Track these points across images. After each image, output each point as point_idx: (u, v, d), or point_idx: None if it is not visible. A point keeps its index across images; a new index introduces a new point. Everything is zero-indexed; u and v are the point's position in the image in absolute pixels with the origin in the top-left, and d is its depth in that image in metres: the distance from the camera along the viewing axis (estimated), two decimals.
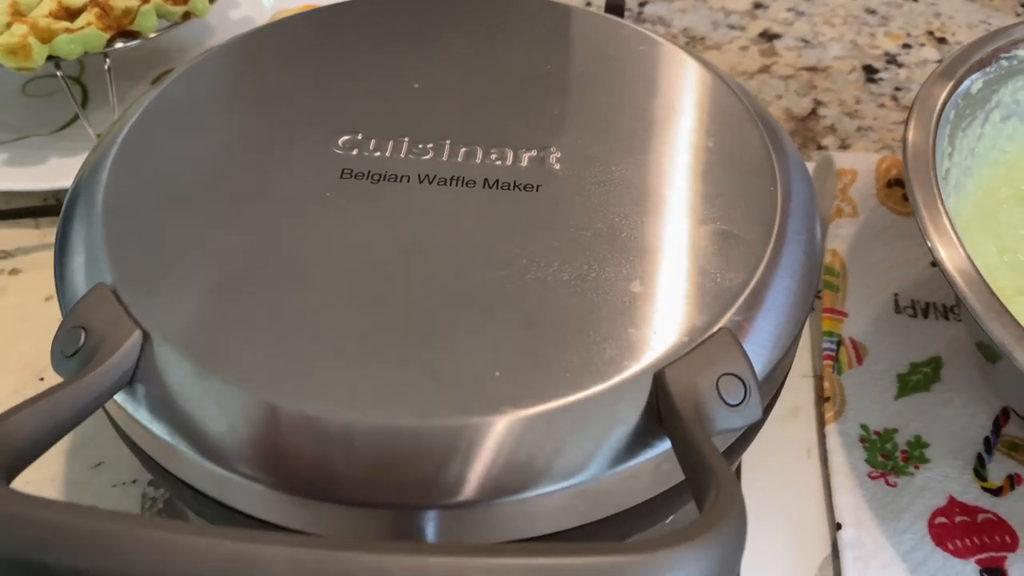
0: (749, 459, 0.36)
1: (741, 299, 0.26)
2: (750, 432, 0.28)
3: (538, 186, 0.29)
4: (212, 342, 0.25)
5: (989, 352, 0.35)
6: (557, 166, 0.30)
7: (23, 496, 0.18)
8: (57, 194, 0.46)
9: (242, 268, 0.27)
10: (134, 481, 0.36)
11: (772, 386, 0.28)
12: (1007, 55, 0.39)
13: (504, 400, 0.24)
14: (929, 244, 0.31)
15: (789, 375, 0.39)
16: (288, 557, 0.16)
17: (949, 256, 0.31)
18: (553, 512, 0.24)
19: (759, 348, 0.26)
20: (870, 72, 0.56)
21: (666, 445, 0.24)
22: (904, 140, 0.34)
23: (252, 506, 0.25)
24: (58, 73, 0.44)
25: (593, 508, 0.25)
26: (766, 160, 0.31)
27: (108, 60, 0.44)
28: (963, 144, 0.39)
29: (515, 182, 0.30)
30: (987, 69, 0.39)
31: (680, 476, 0.25)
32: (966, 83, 0.38)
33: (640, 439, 0.24)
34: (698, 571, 0.17)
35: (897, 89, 0.55)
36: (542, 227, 0.28)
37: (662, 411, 0.24)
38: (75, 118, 0.49)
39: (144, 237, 0.28)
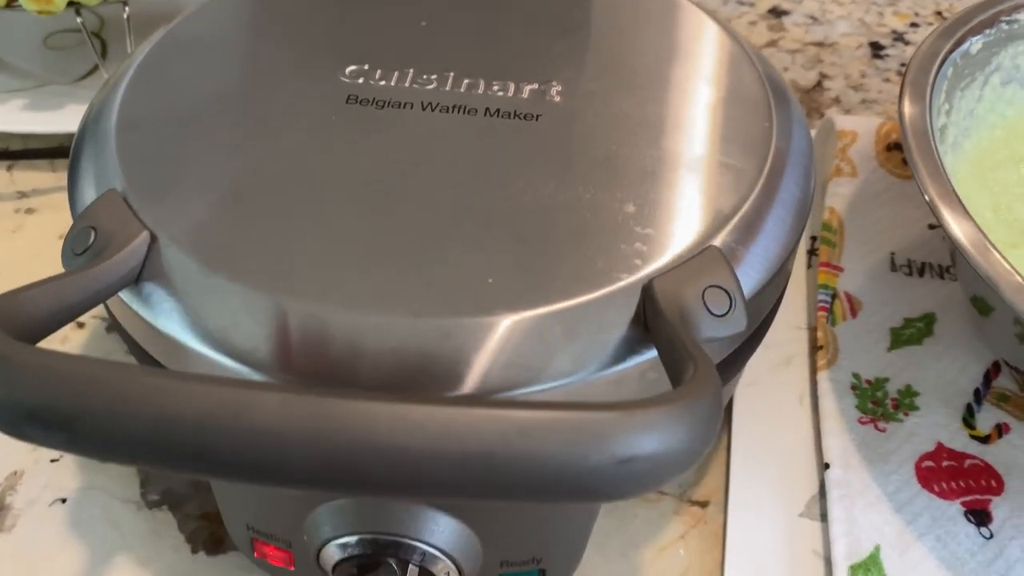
0: (741, 403, 0.36)
1: (732, 222, 0.27)
2: (740, 356, 0.29)
3: (538, 116, 0.30)
4: (218, 244, 0.26)
5: (983, 305, 0.35)
6: (557, 98, 0.31)
7: (50, 351, 0.19)
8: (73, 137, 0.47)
9: (248, 179, 0.28)
10: None
11: (761, 309, 0.28)
12: (1008, 19, 0.40)
13: (496, 304, 0.25)
14: (922, 186, 0.32)
15: (783, 327, 0.40)
16: (280, 401, 0.17)
17: (942, 197, 0.31)
18: None
19: (747, 269, 0.27)
20: (876, 49, 0.57)
21: (652, 353, 0.25)
22: (901, 90, 0.35)
23: None
24: (78, 19, 0.45)
25: None
26: (763, 100, 0.31)
27: (127, 8, 0.46)
28: (961, 104, 0.40)
29: (515, 111, 0.30)
30: (988, 31, 0.39)
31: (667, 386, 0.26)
32: (966, 44, 0.39)
33: (627, 346, 0.25)
34: (670, 434, 0.18)
35: (903, 65, 0.55)
36: (540, 153, 0.29)
37: (649, 320, 0.25)
38: (94, 69, 0.50)
39: (155, 150, 0.29)
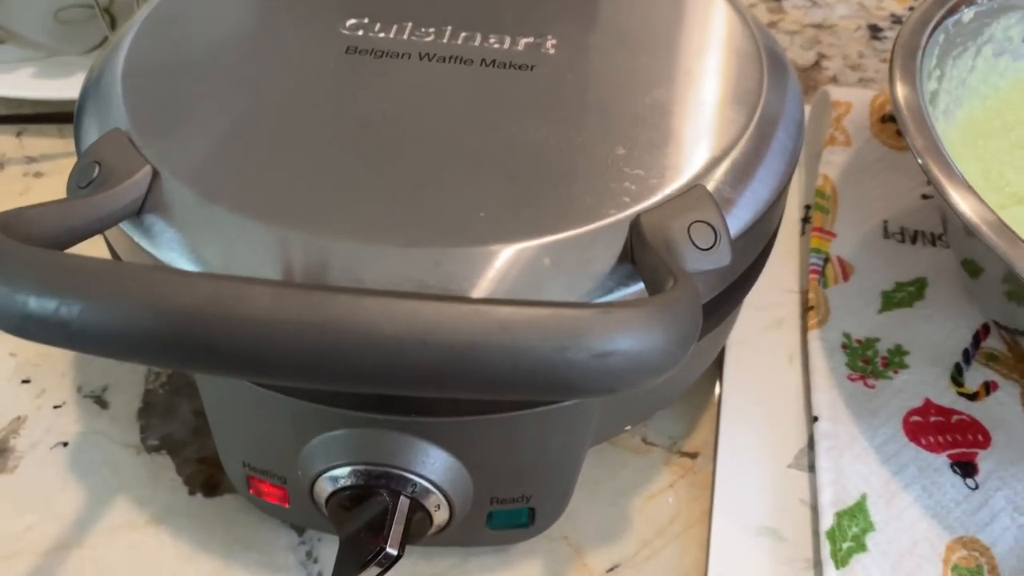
0: (732, 361, 0.37)
1: (721, 166, 0.28)
2: (728, 299, 0.29)
3: (532, 66, 0.31)
4: (218, 177, 0.27)
5: (973, 268, 0.36)
6: (552, 51, 0.32)
7: (48, 251, 0.19)
8: None
9: (249, 121, 0.29)
10: None
11: (748, 252, 0.29)
12: None
13: (487, 235, 0.25)
14: (909, 137, 0.32)
15: (775, 290, 0.40)
16: (273, 293, 0.18)
17: (937, 164, 0.32)
18: None
19: (735, 210, 0.27)
20: (875, 31, 0.57)
21: (639, 286, 0.25)
22: (892, 53, 0.36)
23: None
24: None
25: None
26: (755, 56, 0.32)
27: None
28: (953, 73, 0.40)
29: (510, 62, 0.31)
30: (980, 1, 0.40)
31: None
32: (959, 13, 0.39)
33: (615, 279, 0.25)
34: (646, 333, 0.18)
35: None
36: (533, 100, 0.30)
37: (635, 253, 0.25)
38: (103, 40, 0.51)
39: (159, 94, 0.30)
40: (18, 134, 0.47)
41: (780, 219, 0.31)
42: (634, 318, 0.18)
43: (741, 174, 0.28)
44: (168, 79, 0.30)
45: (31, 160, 0.46)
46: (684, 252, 0.25)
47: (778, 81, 0.32)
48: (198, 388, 0.30)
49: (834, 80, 0.53)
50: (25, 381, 0.36)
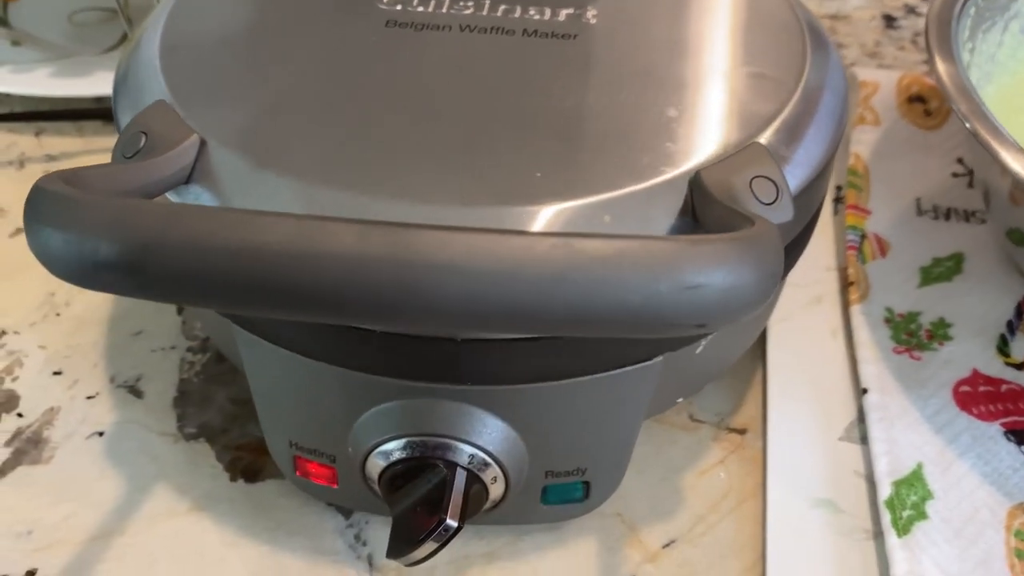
0: (775, 337, 0.36)
1: (774, 124, 0.27)
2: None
3: (575, 35, 0.31)
4: (266, 144, 0.26)
5: (1019, 236, 0.36)
6: (594, 21, 0.31)
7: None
8: (100, 100, 0.47)
9: (292, 91, 0.28)
10: (172, 347, 0.36)
11: (803, 213, 0.28)
12: None
13: (544, 194, 0.25)
14: (954, 103, 0.32)
15: (813, 268, 0.40)
16: (358, 230, 0.17)
17: (980, 122, 0.32)
18: None
19: (789, 167, 0.27)
20: (889, 20, 0.57)
21: None
22: (927, 22, 0.36)
23: None
24: None
25: None
26: (796, 25, 0.32)
27: None
28: (983, 47, 0.40)
29: (552, 32, 0.31)
30: None
31: None
32: None
33: (676, 235, 0.25)
34: (736, 263, 0.18)
35: (916, 34, 0.56)
36: (578, 67, 0.29)
37: (698, 208, 0.25)
38: (122, 39, 0.51)
39: (199, 68, 0.29)
40: (37, 133, 0.47)
41: (827, 187, 0.31)
42: (725, 251, 0.18)
43: (793, 134, 0.28)
44: (207, 53, 0.30)
45: (51, 158, 0.46)
46: (748, 206, 0.25)
47: (819, 50, 0.31)
48: (244, 368, 0.29)
49: (852, 66, 0.53)
50: (56, 373, 0.36)
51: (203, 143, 0.26)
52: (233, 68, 0.29)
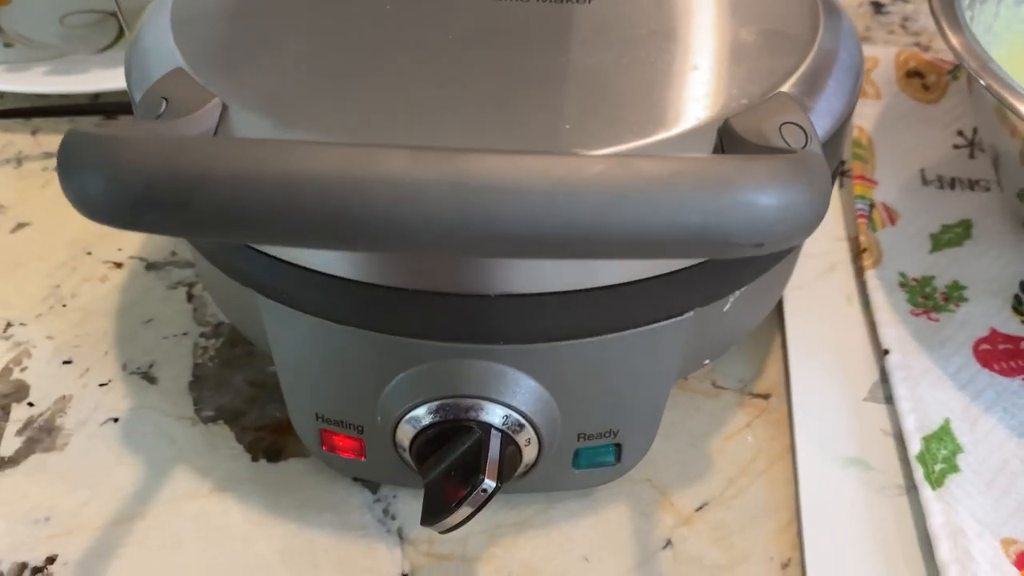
0: (791, 304, 0.36)
1: (796, 74, 0.27)
2: None
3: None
4: (291, 106, 0.26)
5: None
6: None
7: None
8: (96, 97, 0.47)
9: (311, 52, 0.28)
10: (184, 333, 0.36)
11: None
12: None
13: (575, 143, 0.25)
14: (964, 60, 0.32)
15: (823, 238, 0.40)
16: (410, 155, 0.17)
17: (992, 77, 0.32)
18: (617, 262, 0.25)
19: (813, 117, 0.27)
20: (877, 7, 0.58)
21: None
22: None
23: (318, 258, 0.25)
24: None
25: (656, 262, 0.26)
26: None
27: None
28: (981, 17, 0.41)
29: None
30: None
31: None
32: None
33: None
34: (792, 180, 0.18)
35: (906, 19, 0.57)
36: (598, 28, 0.29)
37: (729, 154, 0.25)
38: (117, 38, 0.50)
39: (213, 37, 0.29)
40: (33, 132, 0.46)
41: (847, 143, 0.31)
42: (782, 167, 0.18)
43: (814, 85, 0.28)
44: (220, 23, 0.29)
45: (48, 155, 0.45)
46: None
47: (832, 12, 0.32)
48: (266, 345, 0.28)
49: None
50: (66, 362, 0.35)
51: (224, 107, 0.26)
52: (247, 36, 0.29)
